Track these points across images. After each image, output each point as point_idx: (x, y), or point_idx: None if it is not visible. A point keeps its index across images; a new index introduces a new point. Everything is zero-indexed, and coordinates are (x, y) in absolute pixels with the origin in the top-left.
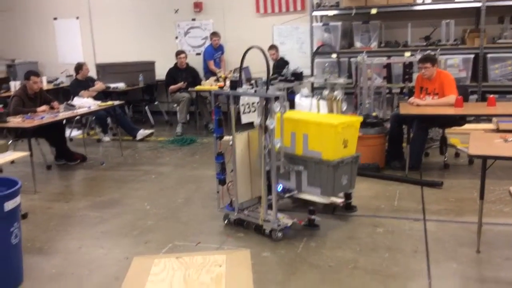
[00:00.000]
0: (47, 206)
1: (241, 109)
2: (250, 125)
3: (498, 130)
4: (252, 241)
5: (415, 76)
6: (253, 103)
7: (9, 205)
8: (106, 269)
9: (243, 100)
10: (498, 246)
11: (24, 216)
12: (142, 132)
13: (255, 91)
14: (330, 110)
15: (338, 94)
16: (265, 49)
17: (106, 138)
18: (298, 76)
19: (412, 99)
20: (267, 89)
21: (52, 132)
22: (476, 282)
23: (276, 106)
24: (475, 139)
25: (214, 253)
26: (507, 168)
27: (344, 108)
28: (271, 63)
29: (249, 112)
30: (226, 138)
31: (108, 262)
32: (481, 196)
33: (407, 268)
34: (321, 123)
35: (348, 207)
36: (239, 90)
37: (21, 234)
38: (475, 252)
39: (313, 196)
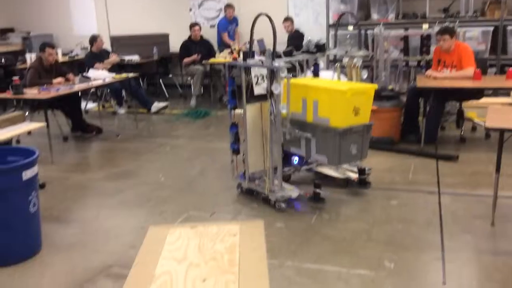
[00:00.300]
0: (64, 176)
1: (253, 80)
2: (264, 96)
3: None
4: (265, 212)
5: (432, 48)
6: (266, 75)
7: (27, 174)
8: (123, 238)
9: (255, 71)
10: None
11: (42, 186)
12: (156, 105)
13: (262, 62)
14: (350, 78)
15: (358, 61)
16: (279, 21)
17: (121, 111)
18: (320, 48)
19: (429, 72)
20: (273, 59)
21: (68, 104)
22: (489, 254)
23: (283, 71)
24: (492, 112)
25: (228, 223)
26: None
27: (365, 76)
28: (286, 36)
29: (263, 83)
30: (239, 111)
31: (124, 231)
32: (497, 169)
33: (421, 240)
34: (331, 89)
35: (362, 183)
36: (250, 61)
37: (39, 203)
38: (489, 225)
39: (331, 170)
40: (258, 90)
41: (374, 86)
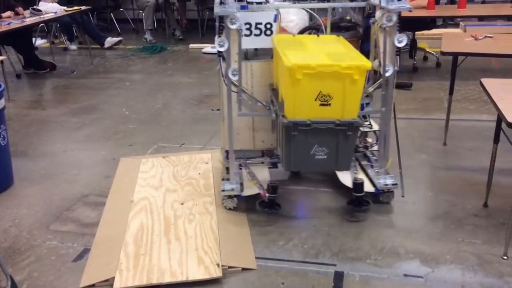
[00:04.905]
0: (24, 113)
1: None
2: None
3: None
4: None
5: None
6: (257, 24)
7: None
8: (95, 169)
9: (240, 19)
10: (462, 139)
11: None
12: (110, 40)
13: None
14: (377, 45)
15: (392, 17)
16: None
17: (73, 47)
18: None
19: None
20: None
21: (19, 40)
22: (442, 170)
23: (233, 23)
24: (447, 38)
25: (199, 152)
26: (473, 70)
27: (402, 42)
28: None
29: (258, 35)
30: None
31: (95, 163)
32: (451, 92)
33: None
34: (283, 60)
35: (358, 203)
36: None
37: (8, 137)
38: (442, 145)
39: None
40: (247, 43)
41: (366, 64)
